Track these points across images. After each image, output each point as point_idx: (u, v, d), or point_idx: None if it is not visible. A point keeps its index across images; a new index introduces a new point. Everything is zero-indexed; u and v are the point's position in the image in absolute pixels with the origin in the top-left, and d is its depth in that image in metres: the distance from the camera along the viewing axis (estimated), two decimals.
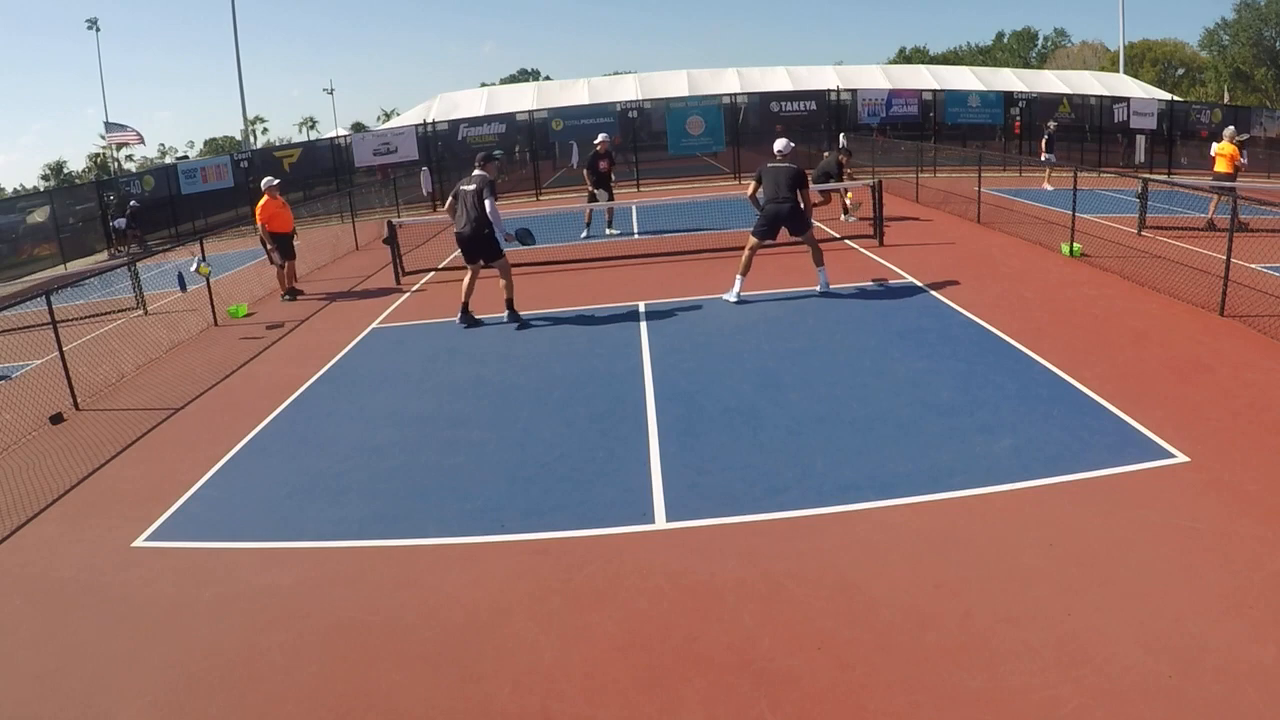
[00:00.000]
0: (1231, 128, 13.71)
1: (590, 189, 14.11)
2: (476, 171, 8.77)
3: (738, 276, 9.02)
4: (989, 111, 24.85)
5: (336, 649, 3.74)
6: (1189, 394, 5.88)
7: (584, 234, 14.12)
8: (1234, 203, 8.23)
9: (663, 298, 9.30)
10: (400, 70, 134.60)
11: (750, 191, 9.18)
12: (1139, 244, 11.00)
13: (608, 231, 14.16)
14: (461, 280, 9.12)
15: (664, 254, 11.81)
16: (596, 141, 14.37)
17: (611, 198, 14.31)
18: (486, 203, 8.49)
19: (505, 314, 8.90)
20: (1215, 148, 13.11)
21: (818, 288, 9.15)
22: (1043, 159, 18.87)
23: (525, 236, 9.22)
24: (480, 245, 8.71)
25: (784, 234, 9.06)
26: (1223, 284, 7.74)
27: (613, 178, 14.36)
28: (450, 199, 8.95)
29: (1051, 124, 19.81)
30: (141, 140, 37.04)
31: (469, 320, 8.94)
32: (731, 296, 9.00)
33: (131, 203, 22.11)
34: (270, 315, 10.77)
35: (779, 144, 9.31)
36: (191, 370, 8.52)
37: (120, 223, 21.57)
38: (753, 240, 9.03)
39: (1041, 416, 5.60)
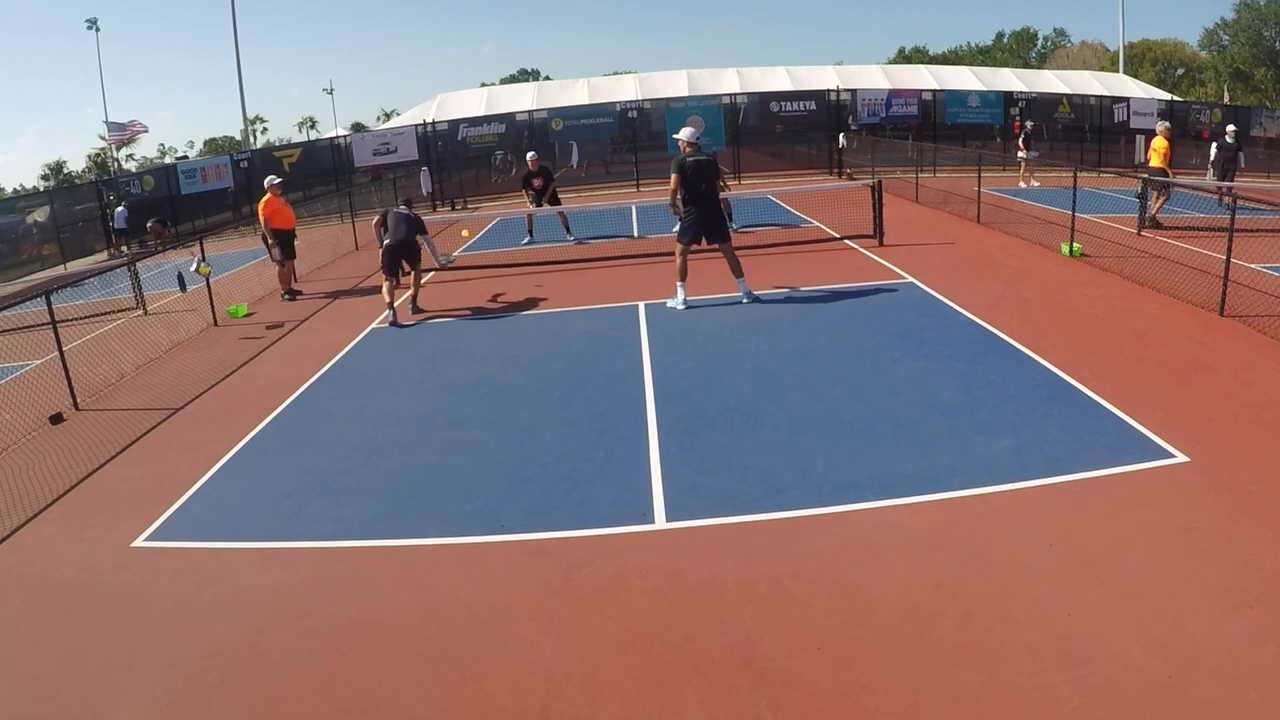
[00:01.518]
0: (1166, 123, 13.76)
1: (528, 204, 14.03)
2: (405, 207, 10.12)
3: (678, 284, 8.79)
4: (989, 111, 24.86)
5: (336, 649, 3.74)
6: (1189, 394, 5.88)
7: (525, 240, 14.10)
8: (1233, 202, 8.22)
9: (663, 298, 9.29)
10: (400, 70, 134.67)
11: (672, 188, 8.46)
12: (1139, 244, 11.00)
13: (569, 238, 13.94)
14: (387, 290, 9.59)
15: (663, 254, 11.78)
16: (527, 159, 14.19)
17: (557, 203, 14.19)
18: (424, 240, 9.84)
19: (411, 306, 9.96)
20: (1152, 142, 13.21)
21: (743, 298, 8.85)
22: (1021, 156, 18.99)
23: (447, 260, 11.08)
24: (410, 254, 9.84)
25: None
26: (1223, 284, 7.74)
27: (551, 189, 14.08)
28: (378, 219, 10.00)
29: (1029, 123, 20.15)
30: (145, 130, 36.69)
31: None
32: (679, 305, 8.79)
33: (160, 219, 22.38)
34: (270, 315, 10.77)
35: (688, 132, 8.72)
36: (191, 370, 8.52)
37: (121, 210, 21.66)
38: (680, 247, 8.73)
39: (1041, 416, 5.60)
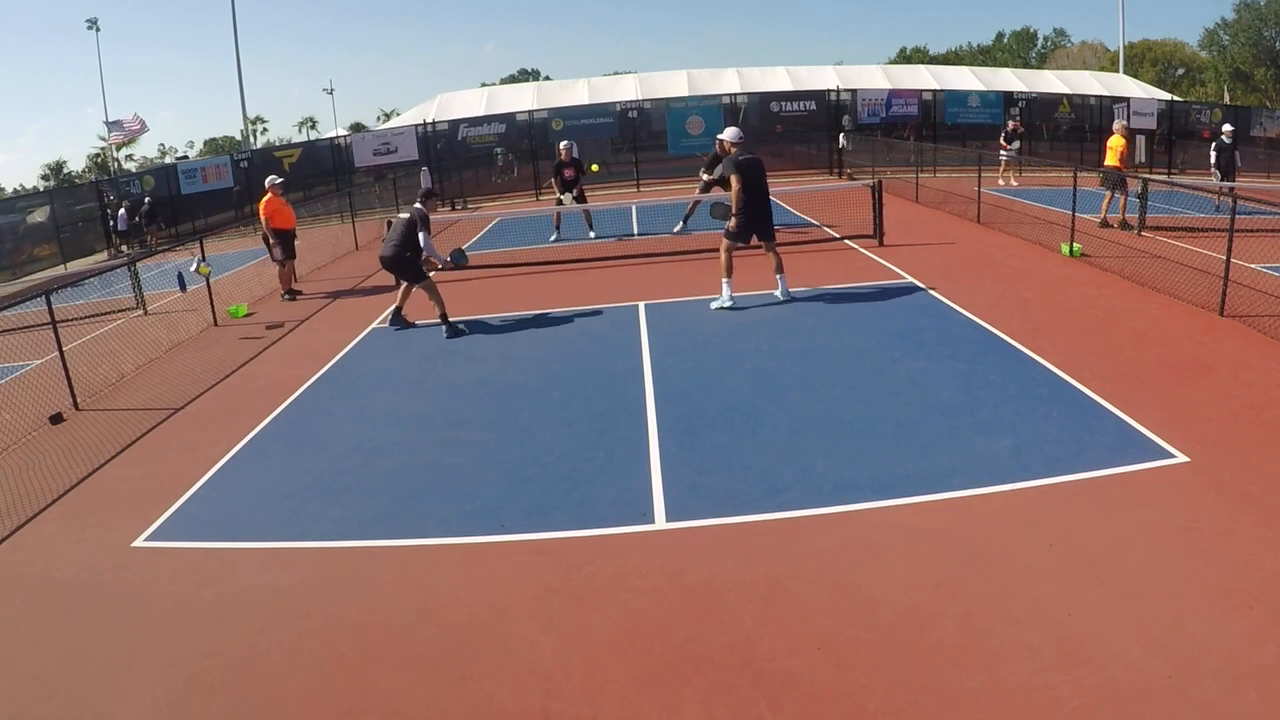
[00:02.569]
0: (1123, 121, 13.71)
1: (557, 194, 14.00)
2: (416, 205, 9.09)
3: (724, 280, 8.62)
4: (989, 111, 24.83)
5: (336, 649, 3.74)
6: (1189, 394, 5.88)
7: (553, 237, 14.08)
8: (1233, 202, 8.21)
9: (663, 298, 9.29)
10: (400, 70, 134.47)
11: (736, 189, 8.20)
12: (1139, 244, 11.00)
13: (590, 235, 13.99)
14: (401, 293, 9.32)
15: (664, 254, 11.80)
16: (560, 148, 14.15)
17: (582, 200, 14.12)
18: (420, 236, 8.84)
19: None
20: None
21: (779, 294, 8.80)
22: (1002, 154, 19.01)
23: (459, 257, 9.51)
24: (399, 268, 9.06)
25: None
26: (1223, 284, 7.74)
27: (580, 183, 14.09)
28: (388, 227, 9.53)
29: (1010, 123, 20.28)
30: (144, 127, 36.76)
31: (401, 324, 9.21)
32: (726, 302, 8.62)
33: (147, 199, 22.24)
34: (270, 315, 10.77)
35: (733, 132, 8.64)
36: (191, 370, 8.52)
37: (122, 213, 21.63)
38: (727, 243, 8.56)
39: (1041, 416, 5.60)
